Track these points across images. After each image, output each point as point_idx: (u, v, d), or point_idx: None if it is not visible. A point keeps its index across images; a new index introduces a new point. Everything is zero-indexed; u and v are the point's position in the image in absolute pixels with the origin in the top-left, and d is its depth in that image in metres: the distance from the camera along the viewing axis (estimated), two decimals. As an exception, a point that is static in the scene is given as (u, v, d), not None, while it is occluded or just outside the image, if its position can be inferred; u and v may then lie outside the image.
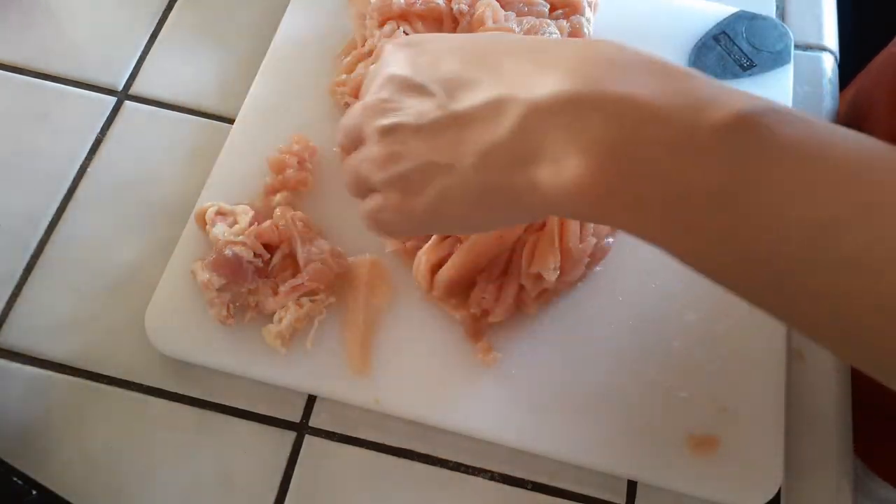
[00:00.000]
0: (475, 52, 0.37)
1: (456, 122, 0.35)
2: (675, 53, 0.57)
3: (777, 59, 0.57)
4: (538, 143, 0.32)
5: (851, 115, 0.60)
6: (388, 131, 0.37)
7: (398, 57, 0.38)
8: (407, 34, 0.50)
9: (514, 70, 0.34)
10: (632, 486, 0.45)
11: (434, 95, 0.36)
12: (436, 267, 0.46)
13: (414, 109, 0.36)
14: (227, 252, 0.46)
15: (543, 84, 0.33)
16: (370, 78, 0.40)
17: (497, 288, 0.46)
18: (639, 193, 0.31)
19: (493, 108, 0.34)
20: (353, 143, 0.40)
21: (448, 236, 0.47)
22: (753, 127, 0.29)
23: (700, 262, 0.32)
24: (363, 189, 0.39)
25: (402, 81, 0.37)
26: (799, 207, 0.29)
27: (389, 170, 0.37)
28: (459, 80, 0.35)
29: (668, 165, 0.30)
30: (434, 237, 0.47)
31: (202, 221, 0.48)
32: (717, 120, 0.30)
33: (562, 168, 0.32)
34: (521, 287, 0.46)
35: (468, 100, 0.35)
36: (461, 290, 0.47)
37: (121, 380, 0.47)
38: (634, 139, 0.30)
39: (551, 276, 0.45)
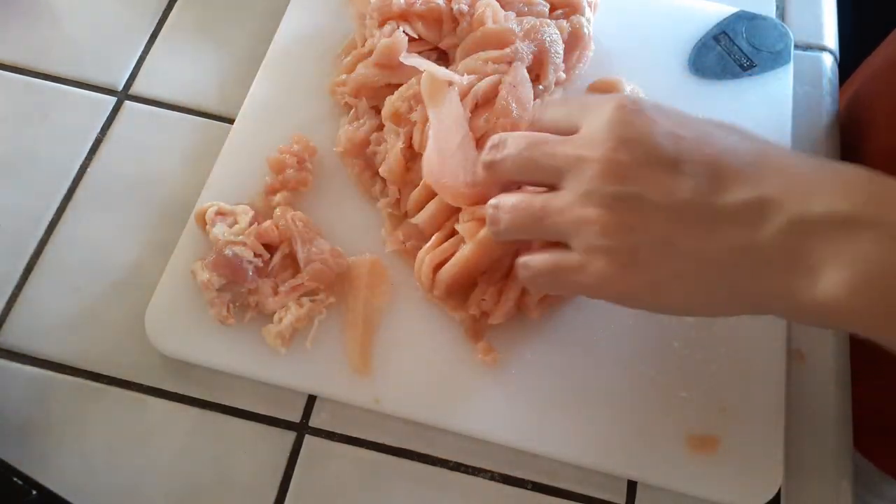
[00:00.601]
0: (738, 146, 0.36)
1: (712, 214, 0.34)
2: (675, 53, 0.57)
3: (777, 59, 0.57)
4: (801, 254, 0.33)
5: (851, 120, 0.59)
6: (625, 199, 0.35)
7: (642, 121, 0.36)
8: (407, 34, 0.50)
9: (781, 174, 0.34)
10: (632, 486, 0.45)
11: (690, 177, 0.34)
12: (439, 267, 0.46)
13: (660, 185, 0.34)
14: (227, 252, 0.46)
15: (816, 197, 0.33)
16: (576, 116, 0.38)
17: (498, 291, 0.46)
18: None
19: (757, 209, 0.33)
20: (542, 180, 0.38)
21: (451, 236, 0.47)
22: None
23: None
24: (538, 235, 0.38)
25: (649, 150, 0.35)
26: None
27: (615, 238, 0.35)
28: (723, 170, 0.34)
29: None
30: (435, 237, 0.47)
31: (202, 221, 0.48)
32: None
33: (826, 284, 0.32)
34: (524, 291, 0.46)
35: (731, 195, 0.34)
36: (462, 290, 0.47)
37: (121, 380, 0.47)
38: None
39: None
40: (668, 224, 0.34)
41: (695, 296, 0.36)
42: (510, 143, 0.40)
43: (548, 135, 0.39)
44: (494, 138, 0.41)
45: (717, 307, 0.37)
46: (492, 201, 0.40)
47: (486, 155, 0.41)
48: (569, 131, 0.38)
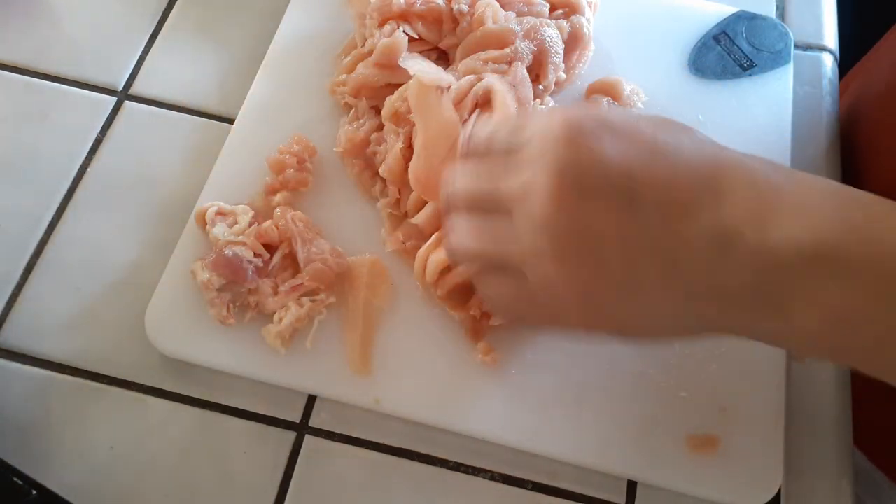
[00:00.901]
0: (692, 157, 0.33)
1: (671, 247, 0.32)
2: (675, 53, 0.57)
3: (777, 59, 0.57)
4: (767, 294, 0.31)
5: (851, 121, 0.59)
6: (578, 232, 0.33)
7: (589, 143, 0.33)
8: (407, 34, 0.50)
9: (739, 191, 0.32)
10: (632, 486, 0.45)
11: (644, 207, 0.32)
12: (444, 269, 0.46)
13: (613, 218, 0.32)
14: (228, 252, 0.46)
15: (776, 220, 0.31)
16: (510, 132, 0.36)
17: (500, 292, 0.46)
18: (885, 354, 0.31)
19: (717, 242, 0.32)
20: (493, 211, 0.35)
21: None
22: None
23: None
24: (493, 264, 0.36)
25: (599, 179, 0.32)
26: None
27: (570, 271, 0.33)
28: (680, 194, 0.32)
29: None
30: (435, 236, 0.47)
31: (202, 221, 0.48)
32: None
33: (795, 323, 0.31)
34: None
35: (690, 224, 0.32)
36: (464, 291, 0.47)
37: (121, 380, 0.47)
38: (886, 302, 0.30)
39: None
40: (625, 260, 0.33)
41: (659, 328, 0.35)
42: (458, 179, 0.38)
43: (491, 162, 0.37)
44: (446, 172, 0.39)
45: (681, 335, 0.37)
46: (447, 222, 0.39)
47: (442, 189, 0.39)
48: (512, 151, 0.36)
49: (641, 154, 0.33)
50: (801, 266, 0.31)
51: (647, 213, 0.32)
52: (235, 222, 0.48)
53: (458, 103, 0.47)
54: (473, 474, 0.46)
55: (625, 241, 0.33)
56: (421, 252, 0.47)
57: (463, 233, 0.38)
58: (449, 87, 0.46)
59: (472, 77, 0.48)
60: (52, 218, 0.52)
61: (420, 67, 0.48)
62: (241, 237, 0.47)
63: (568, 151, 0.33)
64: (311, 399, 0.47)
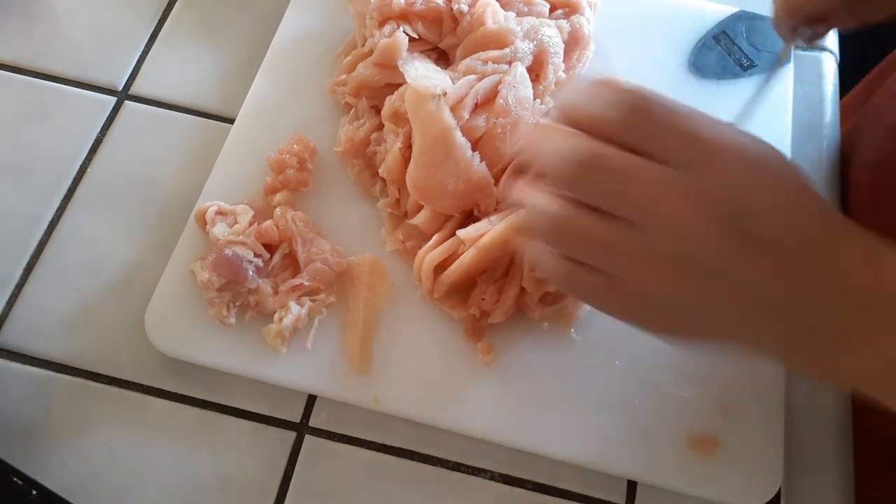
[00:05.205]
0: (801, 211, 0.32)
1: (781, 302, 0.32)
2: (675, 53, 0.57)
3: (777, 59, 0.57)
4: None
5: (853, 132, 0.58)
6: (682, 263, 0.31)
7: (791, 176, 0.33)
8: (407, 34, 0.50)
9: (851, 255, 0.32)
10: (632, 486, 0.45)
11: (763, 257, 0.31)
12: (439, 267, 0.46)
13: (746, 267, 0.31)
14: (228, 251, 0.46)
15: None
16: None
17: (497, 290, 0.46)
18: None
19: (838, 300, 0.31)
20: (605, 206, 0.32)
21: (451, 236, 0.47)
22: None
23: None
24: (587, 260, 0.33)
25: (740, 223, 0.31)
26: None
27: (672, 300, 0.33)
28: (797, 255, 0.31)
29: None
30: (435, 237, 0.47)
31: (202, 221, 0.48)
32: None
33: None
34: (523, 290, 0.46)
35: (811, 286, 0.31)
36: (462, 290, 0.47)
37: (121, 380, 0.47)
38: None
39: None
40: (733, 303, 0.32)
41: (721, 336, 0.35)
42: (565, 145, 0.32)
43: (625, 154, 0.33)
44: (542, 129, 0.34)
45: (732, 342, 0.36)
46: (533, 200, 0.33)
47: (533, 146, 0.34)
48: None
49: (769, 200, 0.32)
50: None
51: (770, 265, 0.32)
52: (235, 222, 0.48)
53: (456, 105, 0.46)
54: (473, 474, 0.46)
55: (736, 286, 0.32)
56: (421, 252, 0.47)
57: (560, 220, 0.33)
58: (445, 94, 0.46)
59: (471, 77, 0.48)
60: (52, 218, 0.52)
61: (416, 73, 0.48)
62: (241, 237, 0.47)
63: (752, 197, 0.32)
64: (311, 399, 0.47)
